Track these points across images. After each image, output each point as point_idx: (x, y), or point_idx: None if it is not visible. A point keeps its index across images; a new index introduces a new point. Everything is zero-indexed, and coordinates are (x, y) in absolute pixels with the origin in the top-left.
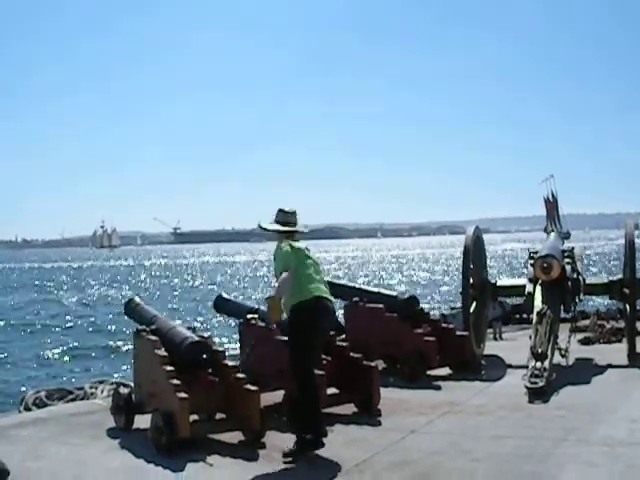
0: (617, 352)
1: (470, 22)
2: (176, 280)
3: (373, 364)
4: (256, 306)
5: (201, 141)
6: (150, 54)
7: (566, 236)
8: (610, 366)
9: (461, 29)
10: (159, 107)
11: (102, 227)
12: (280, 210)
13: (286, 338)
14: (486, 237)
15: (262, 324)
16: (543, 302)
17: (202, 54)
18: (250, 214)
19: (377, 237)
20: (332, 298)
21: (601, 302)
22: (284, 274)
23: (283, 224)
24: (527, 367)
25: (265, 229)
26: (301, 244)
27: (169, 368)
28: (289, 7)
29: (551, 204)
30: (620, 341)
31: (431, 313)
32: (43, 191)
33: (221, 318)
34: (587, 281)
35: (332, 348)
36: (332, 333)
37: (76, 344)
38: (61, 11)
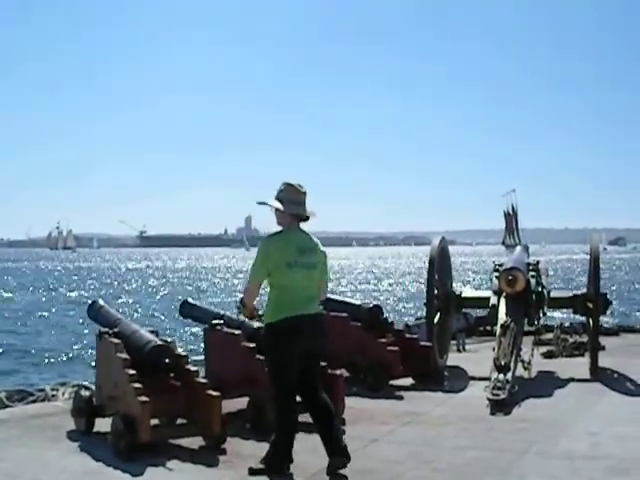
0: (579, 366)
1: (458, 28)
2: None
3: (338, 372)
4: (222, 312)
5: (170, 145)
6: (122, 54)
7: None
8: (572, 380)
9: (449, 34)
10: (128, 108)
11: (57, 228)
12: (288, 185)
13: (252, 345)
14: (451, 249)
15: (227, 330)
16: (507, 315)
17: (174, 55)
18: (217, 220)
19: (352, 246)
20: (318, 309)
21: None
22: (247, 286)
23: (288, 203)
24: (489, 379)
25: (261, 203)
26: (302, 235)
27: (131, 371)
28: (277, 10)
29: (510, 217)
30: (582, 355)
31: (395, 323)
32: (11, 190)
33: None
34: (551, 295)
35: None
36: None
37: (37, 345)
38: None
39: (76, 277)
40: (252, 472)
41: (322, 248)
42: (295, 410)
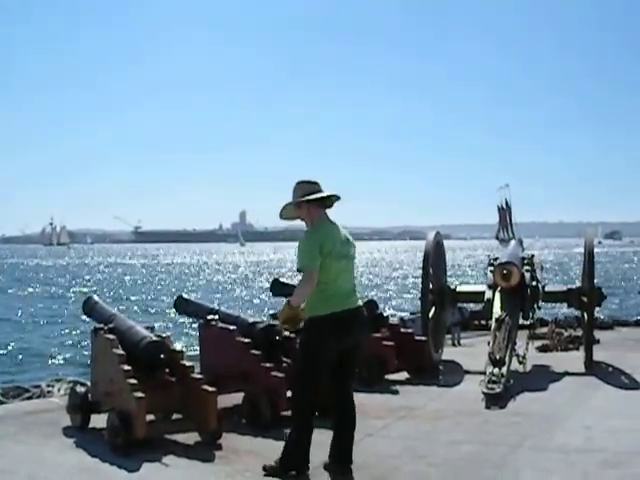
0: (574, 360)
1: (454, 26)
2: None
3: None
4: (217, 307)
5: (166, 142)
6: (122, 54)
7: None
8: (567, 373)
9: (445, 33)
10: (127, 106)
11: (51, 224)
12: (299, 182)
13: (246, 340)
14: (446, 243)
15: (222, 325)
16: (502, 309)
17: (174, 55)
18: (212, 215)
19: None
20: (359, 302)
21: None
22: (305, 274)
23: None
24: (484, 373)
25: (283, 215)
26: (334, 226)
27: (126, 367)
28: (277, 10)
29: (504, 212)
30: (577, 349)
31: (390, 317)
32: (10, 190)
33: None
34: (546, 289)
35: (292, 351)
36: (292, 336)
37: (30, 342)
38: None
39: (69, 273)
40: (268, 473)
41: (351, 239)
42: (314, 405)
